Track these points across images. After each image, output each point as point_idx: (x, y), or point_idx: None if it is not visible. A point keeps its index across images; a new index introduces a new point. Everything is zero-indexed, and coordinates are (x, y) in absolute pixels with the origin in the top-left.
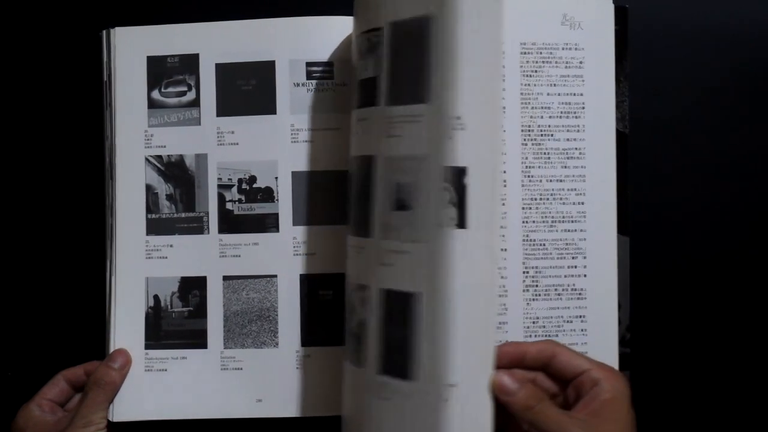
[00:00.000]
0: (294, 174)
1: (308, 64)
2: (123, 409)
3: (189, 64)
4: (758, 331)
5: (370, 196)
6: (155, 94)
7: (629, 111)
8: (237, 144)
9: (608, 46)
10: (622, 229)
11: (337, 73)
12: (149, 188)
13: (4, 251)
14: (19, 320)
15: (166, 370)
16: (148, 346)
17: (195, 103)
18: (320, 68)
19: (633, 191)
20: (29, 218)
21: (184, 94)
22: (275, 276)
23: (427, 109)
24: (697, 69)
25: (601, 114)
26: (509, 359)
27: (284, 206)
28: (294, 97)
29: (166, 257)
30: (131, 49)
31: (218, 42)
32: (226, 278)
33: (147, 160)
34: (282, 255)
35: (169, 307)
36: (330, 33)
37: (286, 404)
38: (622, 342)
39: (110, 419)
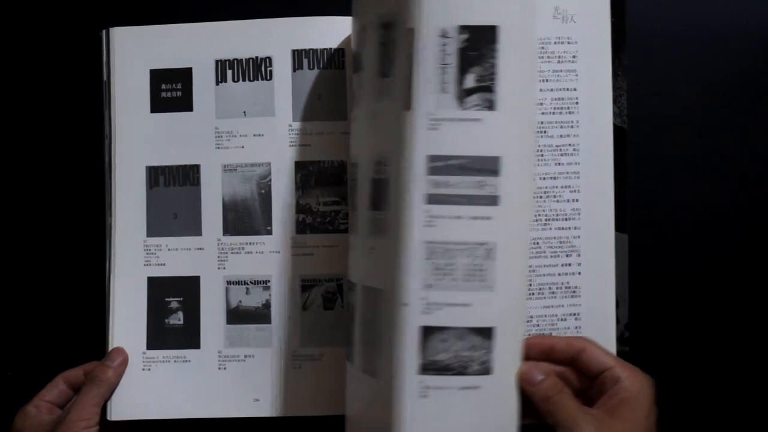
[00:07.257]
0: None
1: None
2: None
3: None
4: (759, 328)
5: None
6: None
7: (627, 106)
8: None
9: (604, 39)
10: (620, 226)
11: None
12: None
13: (4, 251)
14: (19, 320)
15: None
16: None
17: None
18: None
19: (632, 187)
20: (29, 218)
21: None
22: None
23: None
24: (696, 65)
25: (596, 109)
26: (538, 350)
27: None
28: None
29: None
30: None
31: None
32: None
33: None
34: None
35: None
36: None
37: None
38: (621, 340)
39: (108, 418)
